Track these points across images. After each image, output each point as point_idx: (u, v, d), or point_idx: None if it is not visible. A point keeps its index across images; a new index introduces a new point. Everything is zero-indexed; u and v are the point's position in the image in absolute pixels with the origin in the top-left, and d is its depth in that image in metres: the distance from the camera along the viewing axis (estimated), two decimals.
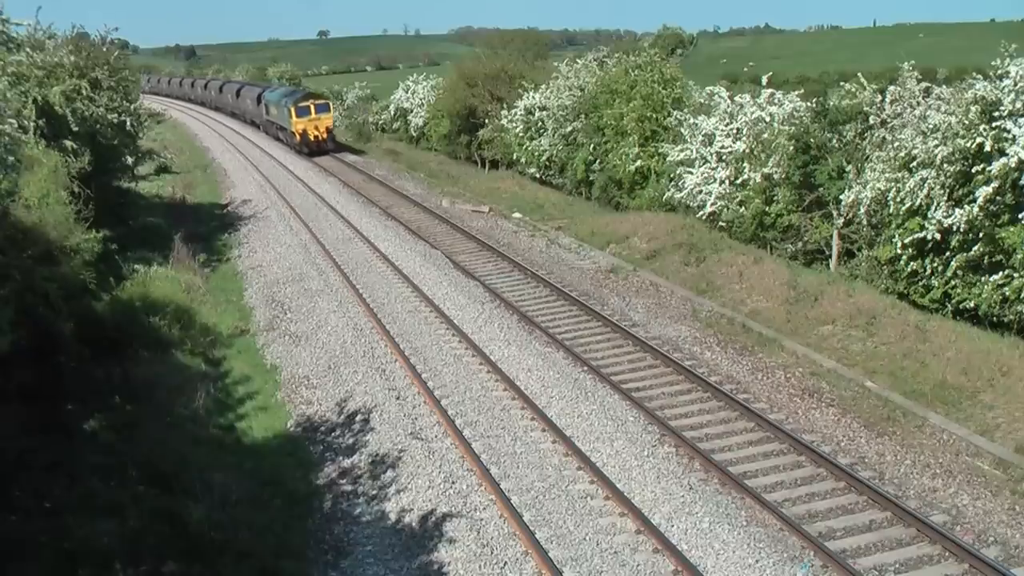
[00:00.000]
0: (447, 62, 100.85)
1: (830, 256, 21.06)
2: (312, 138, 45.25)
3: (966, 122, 16.41)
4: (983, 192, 15.66)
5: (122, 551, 8.97)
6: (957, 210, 16.26)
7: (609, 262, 22.85)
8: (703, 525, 10.79)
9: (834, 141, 20.74)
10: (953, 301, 16.98)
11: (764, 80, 25.59)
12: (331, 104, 48.83)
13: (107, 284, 17.85)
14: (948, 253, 16.84)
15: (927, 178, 17.02)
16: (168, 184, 37.11)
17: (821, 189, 20.76)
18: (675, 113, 27.17)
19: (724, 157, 23.93)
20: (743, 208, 23.26)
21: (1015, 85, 15.86)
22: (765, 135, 22.92)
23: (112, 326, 15.71)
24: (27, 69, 16.61)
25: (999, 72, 16.37)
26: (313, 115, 45.51)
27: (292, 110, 45.63)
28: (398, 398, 14.99)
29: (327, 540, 10.99)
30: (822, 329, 16.72)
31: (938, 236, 16.71)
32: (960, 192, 16.63)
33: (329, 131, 46.13)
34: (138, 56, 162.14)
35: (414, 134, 54.71)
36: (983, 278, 16.21)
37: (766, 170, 22.34)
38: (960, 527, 10.68)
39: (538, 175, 36.61)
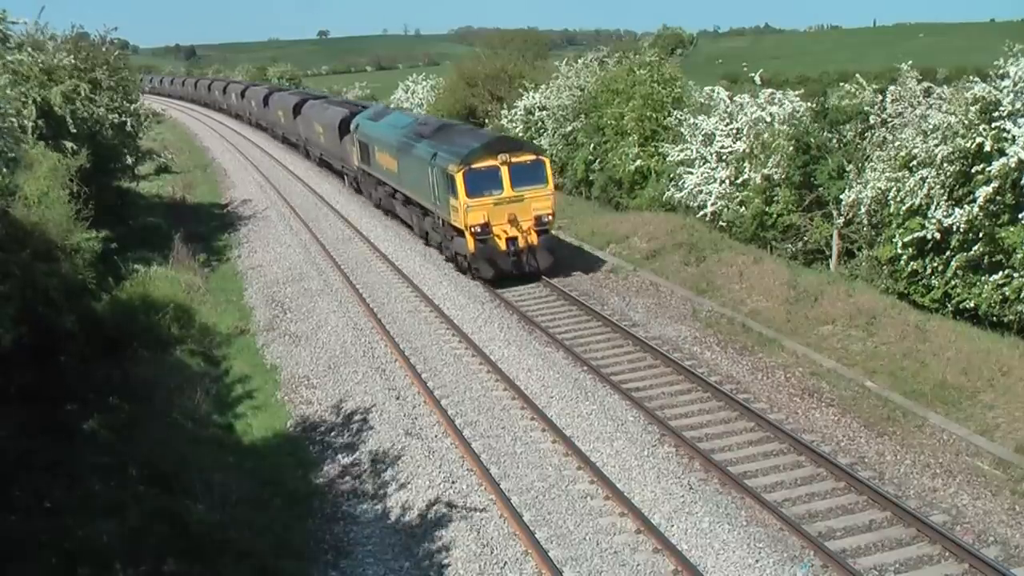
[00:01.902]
0: (447, 62, 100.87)
1: (830, 256, 21.07)
2: (503, 244, 20.50)
3: (966, 122, 16.43)
4: (983, 192, 15.68)
5: (122, 551, 8.97)
6: (957, 210, 16.28)
7: (609, 262, 22.85)
8: (703, 525, 10.79)
9: (834, 141, 20.76)
10: (953, 301, 16.98)
11: (757, 78, 25.49)
12: (546, 161, 21.31)
13: (107, 284, 17.85)
14: (948, 253, 16.85)
15: (927, 177, 17.04)
16: (168, 184, 37.10)
17: (821, 189, 20.78)
18: (675, 113, 27.19)
19: (724, 157, 23.94)
20: (743, 208, 23.26)
21: (1014, 86, 15.87)
22: (765, 135, 22.93)
23: (112, 326, 15.72)
24: (27, 69, 16.66)
25: (1000, 72, 16.39)
26: (508, 190, 20.31)
27: (457, 177, 20.06)
28: (398, 398, 14.99)
29: (327, 540, 10.99)
30: (822, 329, 16.72)
31: (938, 236, 16.72)
32: (960, 192, 16.65)
33: (543, 226, 20.80)
34: (138, 56, 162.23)
35: None
36: (983, 278, 16.22)
37: (766, 170, 22.35)
38: (960, 527, 10.68)
39: None
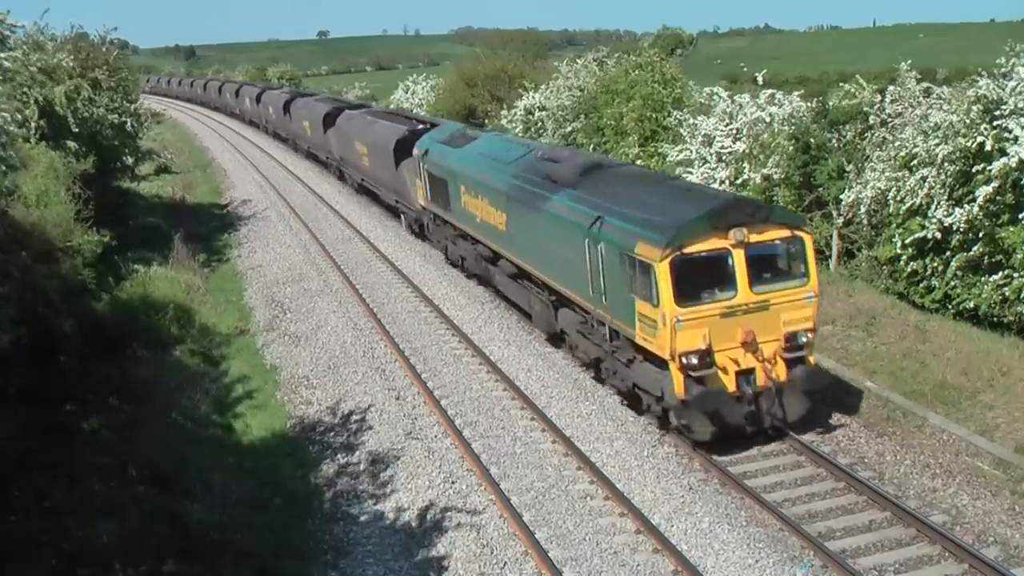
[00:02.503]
0: (447, 62, 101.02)
1: (830, 256, 21.07)
2: (732, 382, 11.99)
3: (967, 121, 16.40)
4: (983, 192, 15.66)
5: (122, 551, 8.98)
6: (957, 210, 16.26)
7: None
8: (703, 525, 10.78)
9: (834, 141, 20.75)
10: (954, 302, 16.97)
11: (760, 78, 25.48)
12: (806, 237, 12.24)
13: (107, 284, 17.86)
14: (948, 253, 16.84)
15: (927, 177, 17.02)
16: (168, 184, 37.11)
17: (821, 189, 20.78)
18: (675, 113, 27.17)
19: (724, 157, 23.91)
20: None
21: (1017, 86, 15.86)
22: (765, 135, 22.93)
23: (112, 326, 15.74)
24: (22, 67, 16.68)
25: (1003, 71, 16.38)
26: (745, 292, 11.79)
27: (658, 268, 11.43)
28: (398, 398, 14.99)
29: (327, 540, 10.99)
30: (822, 329, 16.70)
31: (938, 236, 16.70)
32: (960, 191, 16.63)
33: (797, 350, 12.12)
34: (138, 56, 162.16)
35: None
36: (983, 278, 16.21)
37: (766, 170, 22.34)
38: (960, 527, 10.67)
39: None
